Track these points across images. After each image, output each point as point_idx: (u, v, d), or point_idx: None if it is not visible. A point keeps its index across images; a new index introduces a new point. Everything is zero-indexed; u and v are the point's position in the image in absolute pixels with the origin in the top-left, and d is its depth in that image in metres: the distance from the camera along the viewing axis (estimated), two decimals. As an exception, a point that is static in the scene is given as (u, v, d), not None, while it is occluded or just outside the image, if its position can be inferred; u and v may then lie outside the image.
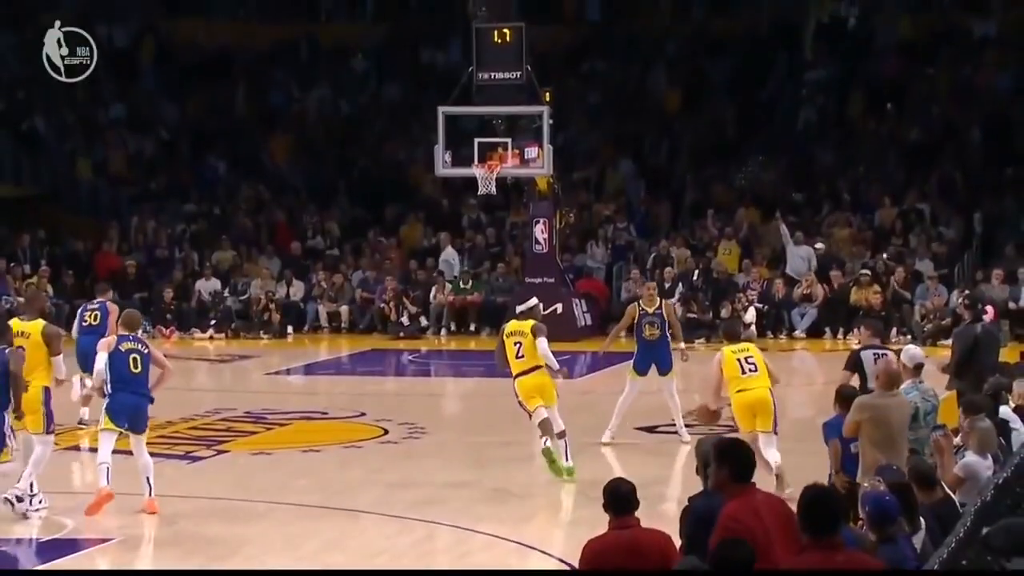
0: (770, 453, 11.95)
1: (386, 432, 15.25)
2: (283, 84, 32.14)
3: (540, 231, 23.74)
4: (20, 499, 11.30)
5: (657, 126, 30.05)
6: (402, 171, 29.71)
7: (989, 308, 19.15)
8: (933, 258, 24.67)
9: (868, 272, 23.49)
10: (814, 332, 23.75)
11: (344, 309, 25.40)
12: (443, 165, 22.68)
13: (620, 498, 6.75)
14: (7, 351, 11.23)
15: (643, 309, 15.14)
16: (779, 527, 6.21)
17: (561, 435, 13.07)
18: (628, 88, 30.99)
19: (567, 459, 12.93)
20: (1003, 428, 10.02)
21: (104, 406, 11.59)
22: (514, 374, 13.22)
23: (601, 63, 31.35)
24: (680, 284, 24.22)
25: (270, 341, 24.36)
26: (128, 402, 11.47)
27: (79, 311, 15.77)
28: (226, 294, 25.52)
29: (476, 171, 22.21)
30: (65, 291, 25.18)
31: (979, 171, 27.34)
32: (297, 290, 25.52)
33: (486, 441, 15.22)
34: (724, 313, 23.73)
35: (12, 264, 25.31)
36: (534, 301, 13.87)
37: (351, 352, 23.76)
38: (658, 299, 15.35)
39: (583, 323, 24.03)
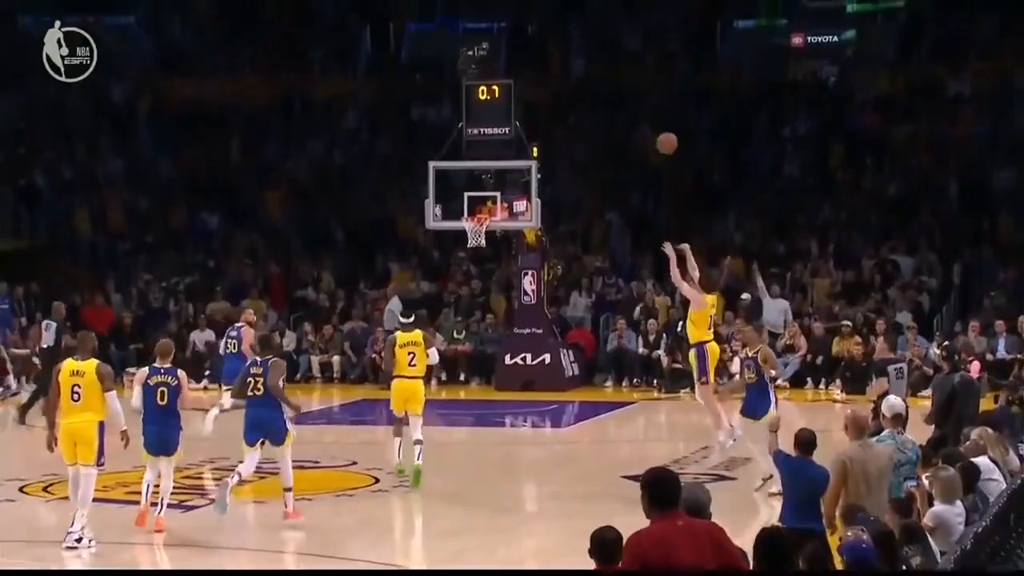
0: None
1: (377, 480, 15.20)
2: (277, 138, 32.24)
3: (528, 283, 23.77)
4: (80, 540, 11.82)
5: (642, 179, 30.17)
6: (393, 224, 29.76)
7: (975, 363, 19.24)
8: (912, 310, 24.73)
9: (849, 323, 23.54)
10: (796, 382, 23.76)
11: (336, 359, 25.36)
12: (433, 218, 22.75)
13: (606, 546, 6.73)
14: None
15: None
16: (692, 552, 6.06)
17: (417, 443, 14.68)
18: (614, 141, 31.14)
19: (417, 459, 14.51)
20: (974, 475, 9.98)
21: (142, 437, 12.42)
22: (396, 374, 14.88)
23: (587, 116, 31.51)
24: (665, 335, 24.23)
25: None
26: (154, 432, 12.40)
27: (224, 336, 17.98)
28: (220, 344, 25.45)
29: (466, 224, 22.27)
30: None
31: (957, 223, 27.49)
32: (290, 341, 25.48)
33: (476, 490, 15.20)
34: (710, 363, 23.71)
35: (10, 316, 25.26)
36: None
37: (342, 402, 23.69)
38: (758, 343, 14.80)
39: (570, 373, 24.04)
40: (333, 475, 15.82)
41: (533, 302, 23.80)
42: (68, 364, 12.09)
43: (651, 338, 24.29)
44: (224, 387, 17.55)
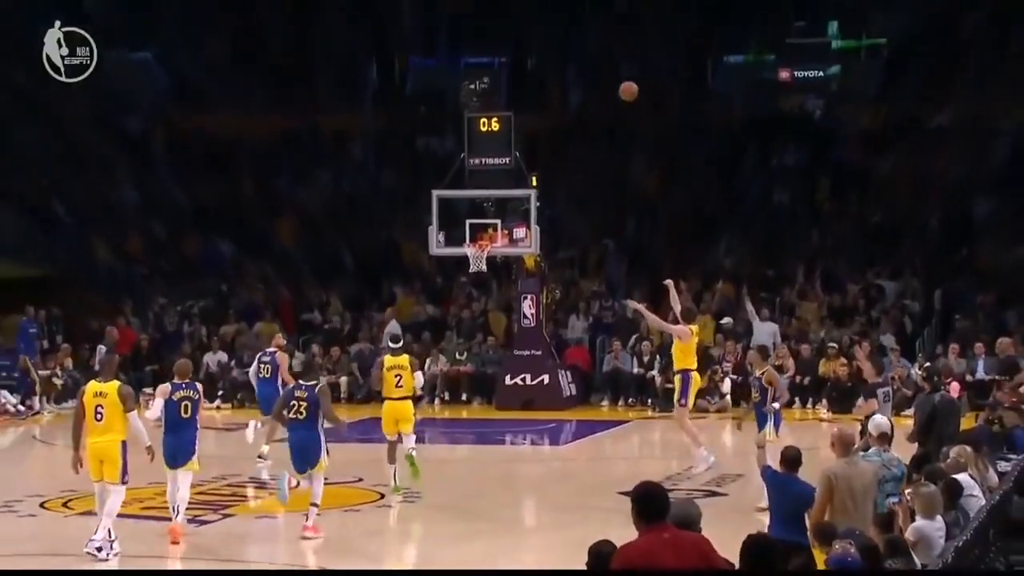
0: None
1: (382, 496, 15.21)
2: (286, 169, 32.33)
3: (528, 306, 23.82)
4: (100, 548, 11.94)
5: (638, 208, 30.25)
6: (398, 250, 29.82)
7: (955, 384, 19.23)
8: (895, 333, 24.78)
9: (835, 345, 23.57)
10: (785, 402, 23.72)
11: (343, 380, 25.37)
12: (437, 244, 22.80)
13: (603, 559, 6.75)
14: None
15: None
16: (677, 564, 6.11)
17: (411, 450, 15.27)
18: (610, 171, 31.23)
19: (394, 481, 15.04)
20: (957, 492, 10.01)
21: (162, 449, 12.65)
22: (386, 396, 15.43)
23: (584, 148, 31.60)
24: (659, 356, 24.25)
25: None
26: (171, 443, 12.63)
27: (256, 361, 17.80)
28: (232, 366, 25.49)
29: (468, 250, 22.32)
30: (81, 364, 25.13)
31: (938, 251, 27.56)
32: (299, 362, 25.43)
33: (477, 505, 15.21)
34: (702, 384, 23.70)
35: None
36: (408, 338, 16.25)
37: (349, 421, 23.49)
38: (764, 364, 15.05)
39: (568, 393, 24.06)
40: (340, 491, 15.81)
41: (532, 325, 23.83)
42: (92, 386, 12.22)
43: (646, 359, 24.32)
44: (263, 413, 17.46)
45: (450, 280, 27.99)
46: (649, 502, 6.31)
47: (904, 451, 12.45)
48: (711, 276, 27.46)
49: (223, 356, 25.65)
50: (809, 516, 9.39)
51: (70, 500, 14.71)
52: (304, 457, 13.17)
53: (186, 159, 32.38)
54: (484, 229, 22.40)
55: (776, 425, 14.64)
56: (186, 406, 12.72)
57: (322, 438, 13.17)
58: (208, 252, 30.35)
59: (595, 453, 19.46)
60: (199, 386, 13.08)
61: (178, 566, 12.36)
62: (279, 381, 17.21)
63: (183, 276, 29.42)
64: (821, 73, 31.68)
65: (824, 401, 22.80)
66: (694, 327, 15.60)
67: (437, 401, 24.82)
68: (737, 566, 6.69)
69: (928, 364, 22.00)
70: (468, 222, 22.56)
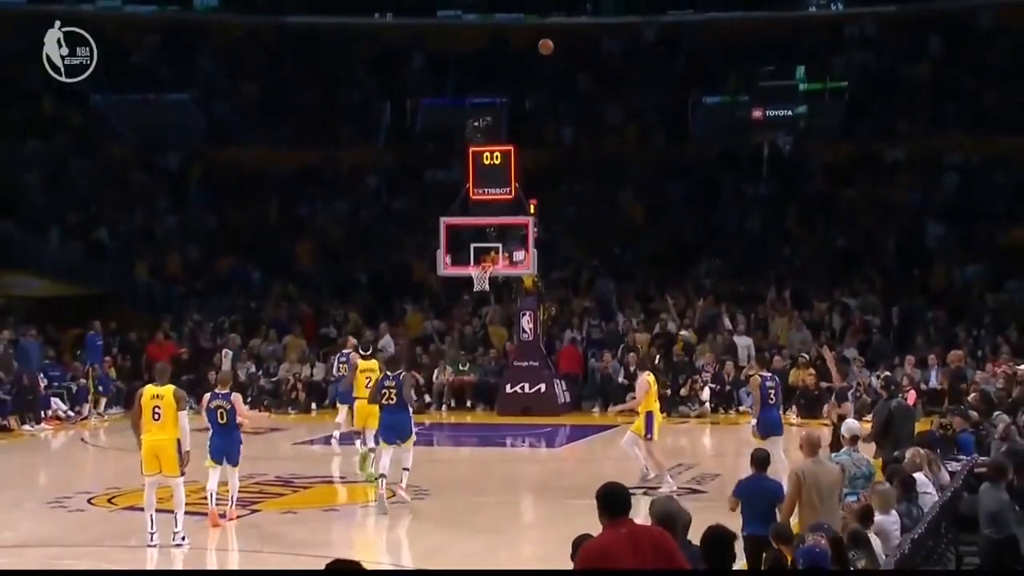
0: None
1: (394, 494, 15.16)
2: (309, 199, 32.37)
3: (526, 321, 23.82)
4: (184, 537, 12.17)
5: (624, 235, 30.29)
6: (409, 271, 29.85)
7: (912, 392, 19.23)
8: (858, 345, 24.77)
9: (807, 356, 23.46)
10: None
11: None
12: (443, 267, 22.79)
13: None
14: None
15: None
16: (632, 556, 6.14)
17: (371, 451, 15.67)
18: (599, 202, 31.28)
19: (375, 468, 15.02)
20: (911, 485, 10.01)
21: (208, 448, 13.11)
22: (357, 396, 16.19)
23: (576, 181, 31.65)
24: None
25: (296, 416, 24.29)
26: (220, 444, 13.11)
27: (335, 361, 18.79)
28: (259, 375, 25.47)
29: (472, 271, 22.32)
30: (124, 374, 25.14)
31: (895, 272, 27.60)
32: (319, 372, 25.46)
33: (481, 501, 15.21)
34: (683, 391, 23.72)
35: (79, 352, 25.19)
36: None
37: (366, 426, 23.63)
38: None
39: (563, 400, 24.03)
40: (356, 489, 15.80)
41: (531, 338, 23.83)
42: (148, 389, 12.38)
43: (632, 369, 24.24)
44: (340, 405, 18.29)
45: (455, 298, 27.99)
46: (610, 500, 6.33)
47: (864, 451, 12.44)
48: (691, 295, 27.46)
49: (251, 366, 25.63)
50: (779, 511, 9.39)
51: (114, 496, 14.70)
52: (396, 432, 14.13)
53: (219, 190, 32.44)
54: (487, 252, 22.39)
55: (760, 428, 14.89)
56: (221, 413, 13.05)
57: (411, 417, 14.28)
58: (238, 273, 30.37)
59: (587, 455, 19.45)
60: (235, 396, 13.36)
61: (212, 557, 12.34)
62: (354, 377, 17.78)
63: (216, 294, 29.43)
64: (790, 112, 31.75)
65: (793, 408, 22.79)
66: (651, 377, 15.95)
67: (444, 408, 24.80)
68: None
69: (886, 374, 22.00)
70: (472, 246, 22.56)
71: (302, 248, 31.02)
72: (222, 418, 13.08)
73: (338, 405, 18.43)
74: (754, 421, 15.22)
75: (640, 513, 7.95)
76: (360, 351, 17.29)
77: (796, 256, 29.04)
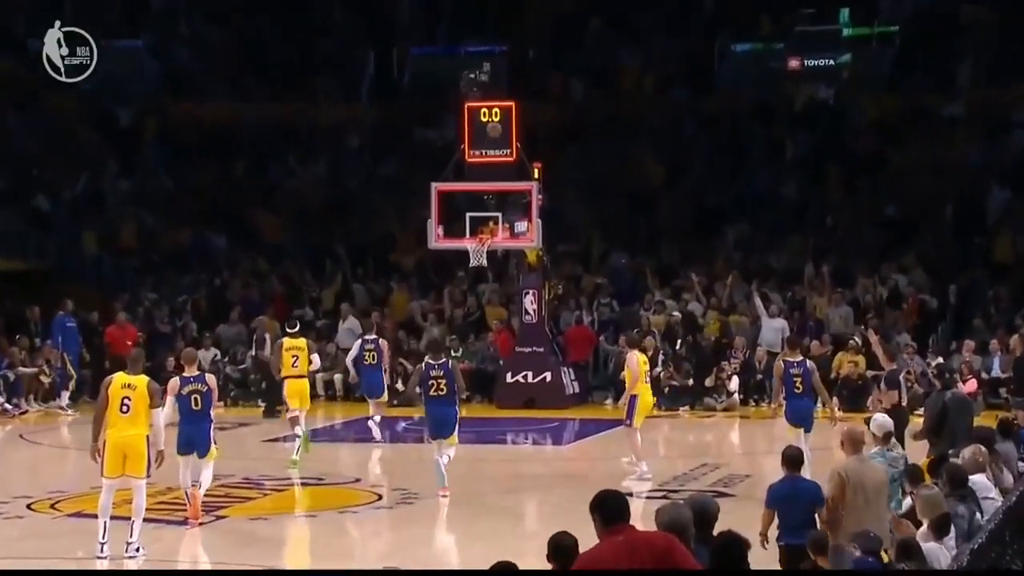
0: None
1: (380, 497, 15.23)
2: (281, 161, 32.29)
3: (530, 302, 23.77)
4: (139, 549, 12.20)
5: (641, 202, 30.22)
6: (394, 244, 29.78)
7: (972, 381, 19.24)
8: (908, 329, 24.70)
9: (856, 340, 23.28)
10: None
11: (338, 377, 25.32)
12: (435, 239, 22.75)
13: (562, 550, 6.83)
14: None
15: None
16: (630, 565, 6.33)
17: (295, 426, 16.87)
18: (613, 165, 31.19)
19: (296, 454, 16.73)
20: (961, 481, 9.96)
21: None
22: (284, 376, 17.19)
23: (587, 139, 31.55)
24: (662, 353, 24.20)
25: (264, 416, 24.27)
26: (190, 432, 13.29)
27: (357, 347, 19.26)
28: (225, 362, 25.44)
29: (467, 245, 22.27)
30: (83, 362, 25.04)
31: (952, 244, 27.51)
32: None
33: (478, 506, 15.22)
34: (708, 381, 23.71)
35: (17, 336, 25.16)
36: (298, 326, 18.07)
37: (345, 420, 23.68)
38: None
39: (571, 391, 24.03)
40: (337, 492, 15.83)
41: (534, 321, 23.78)
42: (119, 377, 12.37)
43: (648, 354, 24.17)
44: (371, 399, 19.16)
45: (447, 276, 27.94)
46: (606, 508, 6.57)
47: (911, 450, 12.46)
48: (717, 271, 27.40)
49: (215, 352, 25.61)
50: (820, 516, 9.37)
51: (58, 501, 14.69)
52: (441, 428, 14.82)
53: (177, 150, 32.36)
54: (484, 223, 22.35)
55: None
56: (196, 399, 13.30)
57: (458, 414, 14.94)
58: (199, 245, 30.32)
59: (598, 453, 19.45)
60: (210, 377, 13.72)
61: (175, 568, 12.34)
62: (384, 366, 18.98)
63: (174, 270, 29.39)
64: (831, 61, 31.61)
65: (835, 399, 22.77)
66: (641, 356, 16.70)
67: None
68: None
69: (940, 360, 22.00)
70: (468, 215, 22.52)
71: (273, 217, 30.97)
72: (196, 404, 13.30)
73: (368, 399, 19.52)
74: (774, 405, 15.45)
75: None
76: (288, 327, 18.12)
77: (838, 225, 28.98)
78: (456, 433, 14.94)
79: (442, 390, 14.74)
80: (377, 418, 19.06)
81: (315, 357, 18.07)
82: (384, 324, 24.70)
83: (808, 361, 15.98)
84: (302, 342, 17.48)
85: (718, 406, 23.46)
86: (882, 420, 10.94)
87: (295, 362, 17.30)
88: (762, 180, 30.46)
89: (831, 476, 9.49)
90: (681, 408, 23.51)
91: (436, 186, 22.65)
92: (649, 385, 16.84)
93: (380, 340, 19.48)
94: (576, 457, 19.46)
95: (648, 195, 30.50)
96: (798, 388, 15.21)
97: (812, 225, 28.96)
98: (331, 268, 29.10)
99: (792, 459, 9.87)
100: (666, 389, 23.70)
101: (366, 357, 19.23)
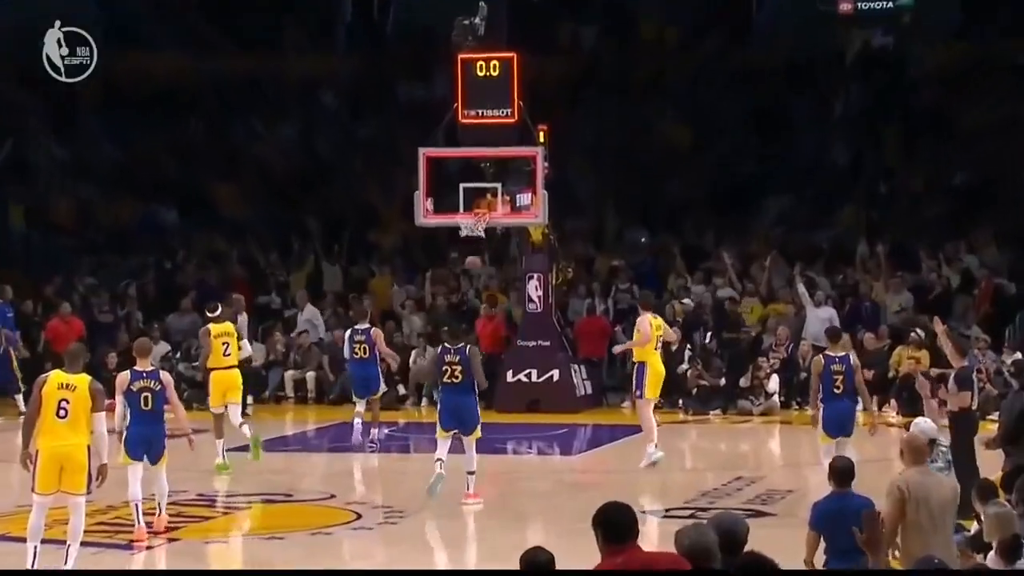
0: None
1: (359, 516, 15.22)
2: (244, 122, 32.28)
3: (534, 288, 23.75)
4: None
5: (664, 170, 30.22)
6: (375, 220, 29.75)
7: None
8: (980, 319, 24.64)
9: (919, 333, 23.24)
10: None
11: (310, 375, 25.32)
12: (423, 214, 22.71)
13: (538, 568, 6.91)
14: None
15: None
16: None
17: (241, 425, 17.54)
18: (632, 128, 31.18)
19: (222, 456, 17.44)
20: None
21: (123, 441, 13.65)
22: (212, 367, 17.58)
23: (600, 99, 31.52)
24: (689, 346, 24.17)
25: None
26: (141, 434, 13.57)
27: (347, 339, 19.50)
28: (178, 358, 25.44)
29: (461, 221, 22.24)
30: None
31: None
32: (257, 354, 25.41)
33: (470, 526, 15.28)
34: (744, 381, 23.70)
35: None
36: (220, 308, 18.22)
37: (319, 425, 23.67)
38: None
39: (583, 392, 24.03)
40: (309, 510, 15.84)
41: (539, 310, 23.76)
42: (55, 376, 12.25)
43: (673, 349, 24.20)
44: (359, 399, 19.30)
45: (438, 257, 27.93)
46: (607, 523, 6.81)
47: (984, 462, 12.44)
48: (753, 252, 27.40)
49: (165, 347, 25.60)
50: (859, 537, 9.32)
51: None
52: (458, 420, 15.42)
53: (122, 110, 32.31)
54: (481, 195, 22.31)
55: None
56: (146, 398, 13.59)
57: (477, 403, 15.59)
58: (147, 221, 30.33)
59: (614, 464, 19.43)
60: (165, 376, 13.87)
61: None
62: (378, 359, 19.18)
63: (117, 250, 29.39)
64: (890, 4, 31.50)
65: (893, 402, 22.75)
66: (656, 320, 17.54)
67: (424, 402, 24.78)
68: None
69: (1019, 357, 21.93)
70: (462, 186, 22.47)
71: (234, 188, 31.00)
72: (146, 403, 13.55)
73: (355, 398, 19.77)
74: (812, 411, 15.50)
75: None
76: (208, 311, 18.43)
77: (896, 197, 28.98)
78: (478, 428, 15.58)
79: (457, 377, 15.35)
80: (359, 420, 19.30)
81: (245, 344, 18.60)
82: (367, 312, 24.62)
83: (852, 356, 16.01)
84: (229, 327, 17.91)
85: (755, 410, 23.45)
86: (925, 426, 10.92)
87: (226, 350, 17.67)
88: (807, 144, 30.48)
89: (889, 490, 9.47)
90: (711, 412, 23.51)
91: (424, 152, 22.60)
92: (659, 352, 17.53)
93: (372, 330, 19.63)
94: (588, 469, 19.46)
95: (672, 162, 30.51)
96: (838, 387, 15.26)
97: (866, 196, 28.97)
98: (301, 248, 29.15)
99: (842, 472, 9.87)
100: (693, 390, 23.71)
101: (355, 350, 19.39)
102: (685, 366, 23.94)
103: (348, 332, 19.98)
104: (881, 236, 27.10)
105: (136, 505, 13.57)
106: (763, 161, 30.26)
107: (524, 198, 22.42)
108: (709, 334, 24.74)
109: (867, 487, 10.42)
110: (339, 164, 31.41)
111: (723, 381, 23.85)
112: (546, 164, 22.46)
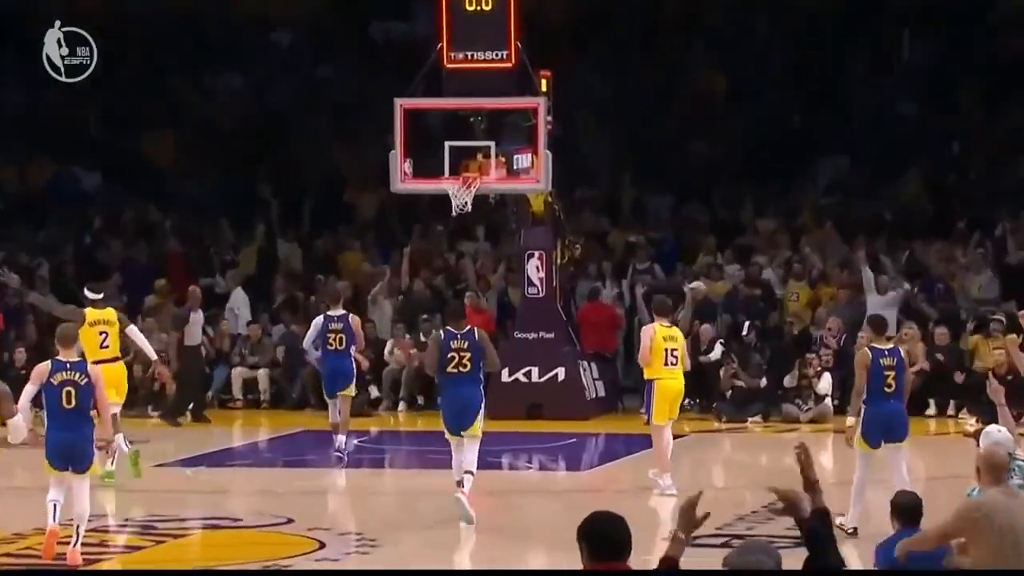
0: None
1: (322, 546, 15.24)
2: (183, 66, 32.27)
3: (535, 269, 23.81)
4: None
5: (694, 125, 30.24)
6: (342, 184, 29.78)
7: None
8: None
9: (1000, 320, 23.31)
10: (914, 407, 23.72)
11: (262, 373, 25.33)
12: (400, 178, 22.75)
13: None
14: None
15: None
16: None
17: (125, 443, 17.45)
18: (652, 74, 31.22)
19: (111, 464, 17.22)
20: None
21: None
22: (94, 360, 16.51)
23: (614, 40, 31.55)
24: (722, 342, 24.19)
25: (162, 420, 24.32)
26: (64, 440, 13.63)
27: (317, 327, 19.68)
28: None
29: (447, 186, 22.27)
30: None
31: None
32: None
33: (459, 554, 15.35)
34: (788, 381, 23.73)
35: None
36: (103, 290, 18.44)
37: (273, 435, 23.70)
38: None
39: (593, 393, 24.10)
40: (261, 538, 15.86)
41: (541, 295, 23.83)
42: None
43: (703, 347, 24.24)
44: (331, 397, 19.54)
45: (421, 229, 27.98)
46: (594, 538, 6.97)
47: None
48: (800, 225, 27.45)
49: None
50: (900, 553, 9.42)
51: None
52: (462, 417, 15.68)
53: (25, 50, 32.21)
54: (471, 156, 22.35)
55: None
56: (69, 393, 13.59)
57: (483, 397, 15.83)
58: (61, 186, 30.37)
59: (631, 482, 19.47)
60: (94, 370, 13.93)
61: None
62: (353, 352, 19.40)
63: (24, 220, 29.41)
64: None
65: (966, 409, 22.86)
66: (663, 328, 17.52)
67: (402, 405, 24.83)
68: None
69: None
70: (447, 145, 22.52)
71: (170, 146, 31.01)
72: (69, 400, 13.57)
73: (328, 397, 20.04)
74: (851, 420, 15.37)
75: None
76: (89, 292, 18.31)
77: (973, 156, 29.04)
78: (481, 421, 15.79)
79: (465, 366, 15.60)
80: (342, 437, 19.51)
81: (133, 330, 18.45)
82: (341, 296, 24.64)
83: (901, 349, 16.09)
84: (111, 314, 17.87)
85: (802, 416, 23.50)
86: (1001, 437, 10.95)
87: (104, 340, 17.52)
88: (866, 96, 30.50)
89: (965, 513, 9.49)
90: (750, 419, 23.57)
91: (401, 103, 22.64)
92: (678, 368, 17.47)
93: (351, 317, 19.81)
94: (600, 488, 19.48)
95: (704, 117, 30.52)
96: (889, 386, 15.28)
97: (937, 158, 29.03)
98: (252, 220, 29.18)
99: (906, 509, 9.92)
100: (728, 393, 23.74)
101: (330, 340, 19.49)
102: (713, 356, 23.92)
103: (319, 320, 20.04)
104: (954, 205, 27.15)
105: (53, 505, 13.65)
106: (812, 116, 30.26)
107: (522, 159, 22.46)
108: (747, 324, 24.76)
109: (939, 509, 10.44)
110: (298, 119, 31.39)
111: (764, 381, 23.89)
112: (549, 118, 22.50)
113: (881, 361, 15.35)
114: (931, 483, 17.05)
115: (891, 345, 15.97)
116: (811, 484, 7.85)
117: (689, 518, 7.48)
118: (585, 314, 25.39)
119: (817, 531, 7.61)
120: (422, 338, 24.96)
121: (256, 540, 15.82)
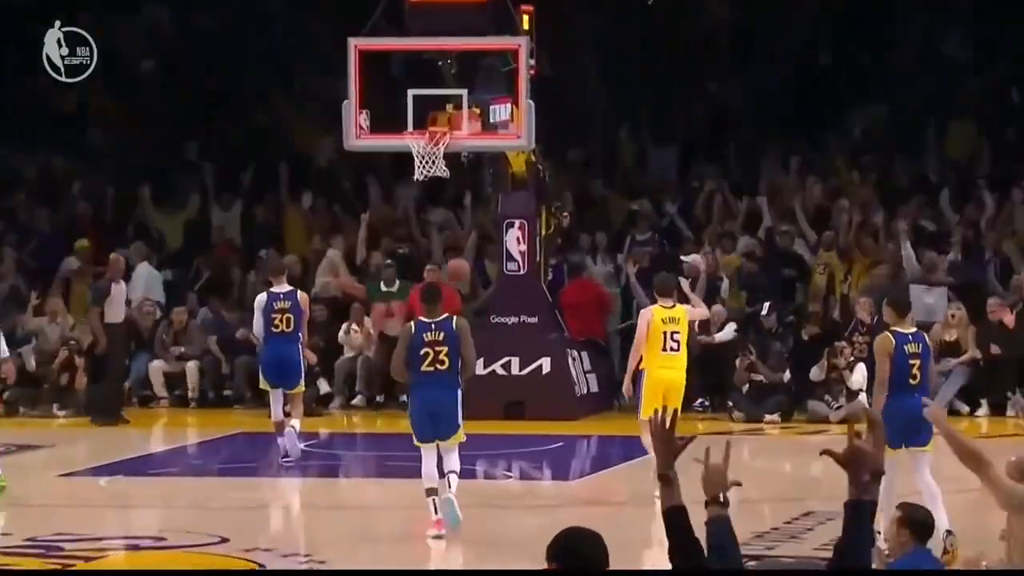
0: None
1: (262, 568, 15.29)
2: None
3: (515, 241, 23.84)
4: None
5: (705, 72, 30.30)
6: (288, 141, 29.83)
7: None
8: None
9: None
10: (964, 402, 23.86)
11: (191, 366, 25.36)
12: (355, 132, 22.76)
13: None
14: None
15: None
16: None
17: None
18: (657, 9, 31.23)
19: None
20: None
21: None
22: None
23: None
24: (734, 325, 24.29)
25: (70, 421, 24.35)
26: None
27: (261, 308, 19.74)
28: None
29: (411, 142, 22.29)
30: None
31: None
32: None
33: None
34: (816, 373, 23.78)
35: None
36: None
37: (203, 439, 23.74)
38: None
39: (584, 389, 24.16)
40: (190, 560, 15.91)
41: (523, 272, 23.88)
42: None
43: (714, 331, 24.30)
44: (275, 390, 19.68)
45: (380, 194, 28.04)
46: (565, 556, 7.14)
47: None
48: (836, 186, 27.54)
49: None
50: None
51: None
52: (438, 425, 15.66)
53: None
54: (439, 106, 22.37)
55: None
56: None
57: (460, 399, 15.74)
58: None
59: (629, 492, 19.56)
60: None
61: None
62: (302, 335, 19.48)
63: None
64: None
65: (1019, 394, 23.02)
66: (661, 310, 17.86)
67: (359, 399, 24.91)
68: None
69: None
70: (411, 93, 22.53)
71: (74, 92, 30.95)
72: None
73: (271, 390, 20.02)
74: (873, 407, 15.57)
75: None
76: None
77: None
78: (461, 430, 15.83)
79: (442, 363, 15.52)
80: (296, 423, 19.58)
81: None
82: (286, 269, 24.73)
83: (926, 335, 16.20)
84: None
85: (832, 414, 23.58)
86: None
87: None
88: (909, 35, 30.62)
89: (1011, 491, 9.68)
90: (768, 418, 23.62)
91: (356, 43, 22.65)
92: (679, 354, 17.72)
93: (299, 294, 19.87)
94: (592, 499, 19.58)
95: (716, 58, 30.56)
96: (914, 377, 15.34)
97: (990, 109, 29.10)
98: (180, 181, 29.21)
99: (917, 525, 10.14)
100: (744, 387, 23.81)
101: (275, 321, 19.55)
102: (725, 335, 24.00)
103: (262, 298, 20.12)
104: (1012, 163, 27.27)
105: None
106: (846, 58, 30.34)
107: (500, 111, 22.50)
108: (767, 306, 24.80)
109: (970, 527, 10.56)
110: (232, 59, 31.40)
111: (787, 374, 23.96)
112: (533, 62, 22.53)
113: (905, 348, 15.37)
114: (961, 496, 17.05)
115: (914, 329, 16.00)
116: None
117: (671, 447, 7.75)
118: (568, 294, 25.47)
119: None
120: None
121: (183, 562, 15.85)
